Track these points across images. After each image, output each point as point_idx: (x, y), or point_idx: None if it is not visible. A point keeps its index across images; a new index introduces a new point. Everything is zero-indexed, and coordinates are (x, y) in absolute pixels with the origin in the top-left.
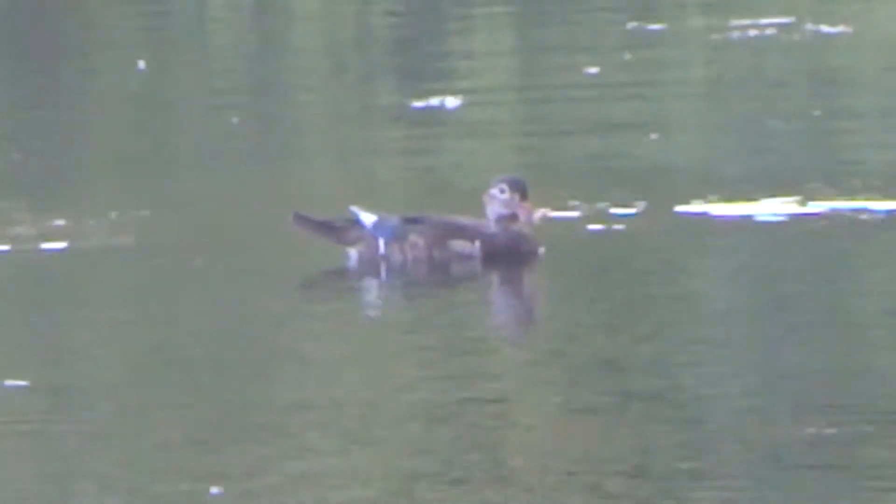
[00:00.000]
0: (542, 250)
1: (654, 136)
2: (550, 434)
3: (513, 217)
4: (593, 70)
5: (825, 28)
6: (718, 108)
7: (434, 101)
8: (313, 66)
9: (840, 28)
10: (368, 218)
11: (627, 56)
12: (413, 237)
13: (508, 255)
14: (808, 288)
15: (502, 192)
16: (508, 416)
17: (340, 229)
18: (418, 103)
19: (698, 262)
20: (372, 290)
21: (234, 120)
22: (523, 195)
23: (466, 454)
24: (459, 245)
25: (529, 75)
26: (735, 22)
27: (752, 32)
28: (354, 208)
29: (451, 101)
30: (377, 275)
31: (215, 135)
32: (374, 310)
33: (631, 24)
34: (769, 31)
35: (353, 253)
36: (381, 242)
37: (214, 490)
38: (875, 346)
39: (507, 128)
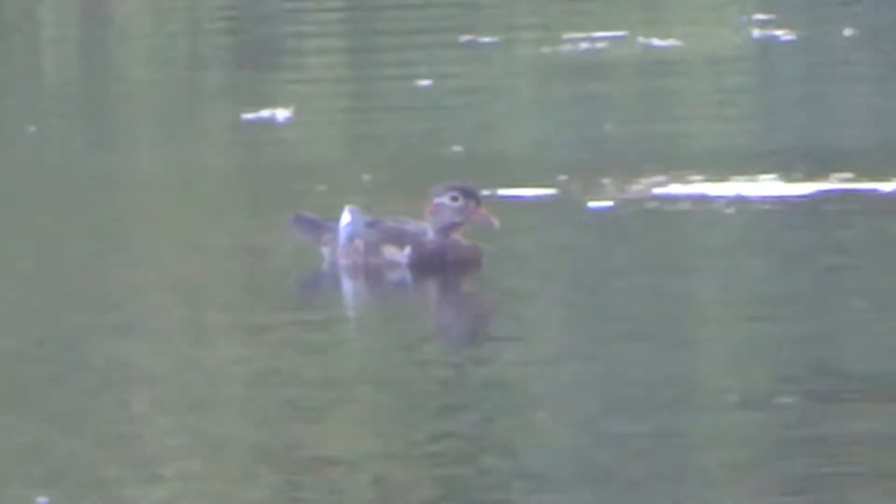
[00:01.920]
0: (482, 257)
1: (456, 148)
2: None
3: (459, 226)
4: (426, 83)
5: (656, 42)
6: (546, 117)
7: (265, 113)
8: (143, 78)
9: (670, 42)
10: (345, 217)
11: (458, 69)
12: (357, 241)
13: (439, 263)
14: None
15: (454, 199)
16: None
17: (324, 229)
18: (249, 115)
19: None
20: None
21: (31, 129)
22: (477, 201)
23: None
24: (390, 251)
25: (361, 87)
26: (567, 35)
27: (584, 46)
28: (347, 207)
29: (282, 114)
30: (325, 279)
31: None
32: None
33: (464, 38)
34: (600, 45)
35: (325, 254)
36: (339, 244)
37: (41, 500)
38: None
39: (337, 139)
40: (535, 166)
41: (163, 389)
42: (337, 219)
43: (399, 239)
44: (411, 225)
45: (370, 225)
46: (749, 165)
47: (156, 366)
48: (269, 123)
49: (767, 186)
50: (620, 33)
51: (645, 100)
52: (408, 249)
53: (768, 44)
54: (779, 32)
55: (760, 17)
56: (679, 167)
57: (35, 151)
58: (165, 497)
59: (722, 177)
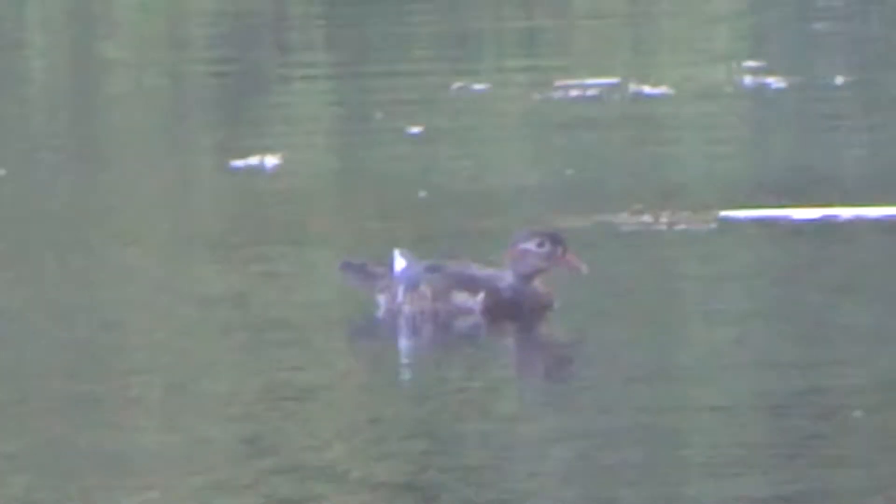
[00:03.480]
0: (556, 304)
1: (422, 193)
2: None
3: (543, 272)
4: (416, 130)
5: (647, 90)
6: (537, 162)
7: (253, 160)
8: (129, 124)
9: (662, 89)
10: (400, 263)
11: (450, 116)
12: (423, 287)
13: (514, 310)
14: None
15: (541, 245)
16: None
17: (377, 276)
18: (237, 162)
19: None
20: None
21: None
22: (564, 248)
23: None
24: (461, 297)
25: (350, 134)
26: (560, 82)
27: (575, 93)
28: (396, 251)
29: (271, 160)
30: (392, 327)
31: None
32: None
33: (456, 85)
34: (591, 92)
35: (381, 302)
36: (400, 291)
37: None
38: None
39: (326, 187)
40: (527, 208)
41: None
42: (385, 264)
43: (471, 285)
44: (476, 269)
45: (431, 270)
46: (736, 195)
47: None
48: (258, 170)
49: (752, 212)
50: (611, 80)
51: (635, 146)
52: (481, 296)
53: (759, 91)
54: (770, 80)
55: (752, 64)
56: (669, 198)
57: (11, 194)
58: None
59: (708, 205)
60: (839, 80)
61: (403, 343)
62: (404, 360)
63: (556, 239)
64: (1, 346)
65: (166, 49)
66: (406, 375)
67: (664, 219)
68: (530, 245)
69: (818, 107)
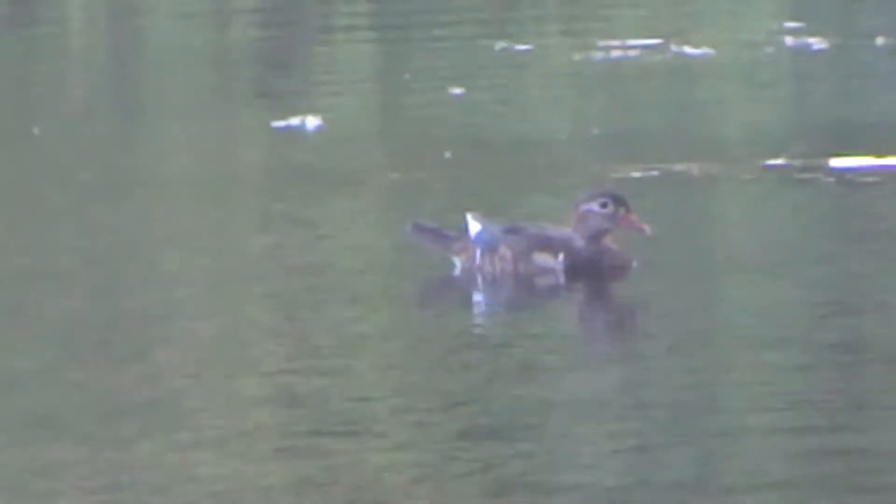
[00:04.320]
0: (634, 263)
1: (448, 154)
2: None
3: (608, 232)
4: (458, 91)
5: (689, 50)
6: (579, 118)
7: (294, 120)
8: (173, 84)
9: (703, 50)
10: (474, 226)
11: (492, 76)
12: (503, 249)
13: (593, 269)
14: None
15: (604, 205)
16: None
17: (451, 238)
18: (279, 123)
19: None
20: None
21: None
22: (627, 208)
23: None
24: (542, 258)
25: (392, 95)
26: (602, 43)
27: (616, 54)
28: (469, 214)
29: (312, 122)
30: (471, 286)
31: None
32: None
33: (500, 45)
34: (633, 52)
35: (457, 263)
36: (478, 253)
37: None
38: None
39: (367, 149)
40: (575, 160)
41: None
42: (457, 227)
43: (550, 245)
44: (554, 230)
45: (510, 231)
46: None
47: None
48: (299, 131)
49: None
50: (654, 41)
51: (677, 102)
52: (562, 256)
53: (800, 52)
54: (811, 40)
55: (792, 25)
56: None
57: (50, 151)
58: None
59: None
60: (880, 41)
61: (481, 302)
62: (478, 321)
63: (618, 199)
64: (53, 295)
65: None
66: (476, 337)
67: (710, 170)
68: (593, 206)
69: (858, 66)
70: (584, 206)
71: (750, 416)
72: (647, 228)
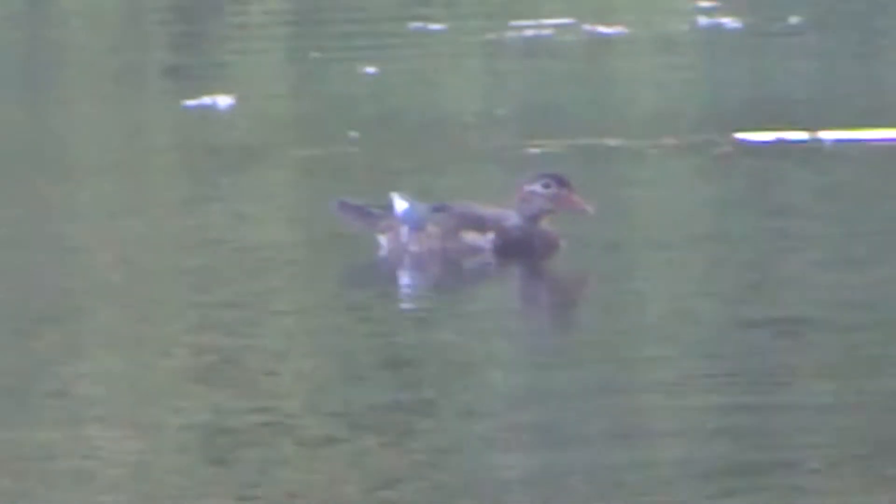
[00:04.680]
0: (563, 243)
1: (353, 134)
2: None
3: (550, 213)
4: (371, 70)
5: (603, 29)
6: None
7: (206, 99)
8: (82, 62)
9: (617, 29)
10: (401, 204)
11: (405, 55)
12: (430, 227)
13: (524, 248)
14: None
15: (547, 186)
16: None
17: (377, 216)
18: (191, 101)
19: None
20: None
21: None
22: (570, 189)
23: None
24: (471, 237)
25: (305, 74)
26: (515, 22)
27: (530, 33)
28: (394, 194)
29: (224, 100)
30: (397, 266)
31: None
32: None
33: (414, 25)
34: (546, 31)
35: (383, 241)
36: (405, 231)
37: None
38: None
39: (281, 126)
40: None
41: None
42: (382, 205)
43: (480, 224)
44: (484, 209)
45: (438, 209)
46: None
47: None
48: (211, 110)
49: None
50: (567, 20)
51: (590, 80)
52: (491, 235)
53: (714, 30)
54: (725, 20)
55: (706, 4)
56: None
57: None
58: None
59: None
60: (793, 19)
61: (406, 282)
62: (404, 302)
63: (561, 180)
64: None
65: None
66: (392, 314)
67: (623, 146)
68: (536, 186)
69: (771, 44)
70: (528, 187)
71: (670, 396)
72: (591, 208)
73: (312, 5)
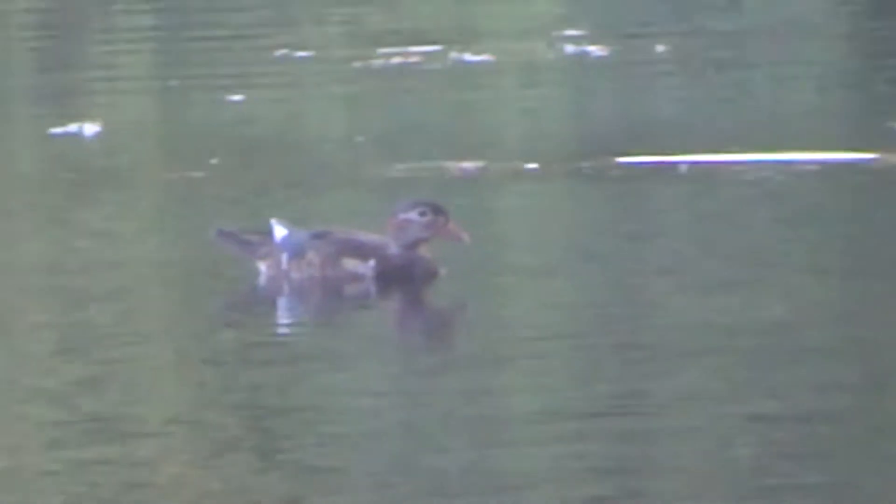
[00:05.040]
0: (442, 271)
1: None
2: None
3: (425, 241)
4: (237, 97)
5: (469, 57)
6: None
7: (73, 127)
8: None
9: (484, 57)
10: (280, 231)
11: (271, 83)
12: (310, 254)
13: (404, 276)
14: None
15: (423, 214)
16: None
17: (256, 244)
18: (57, 129)
19: None
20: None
21: None
22: (446, 217)
23: None
24: (352, 264)
25: (171, 102)
26: (382, 49)
27: (397, 60)
28: (273, 220)
29: (90, 128)
30: (277, 293)
31: None
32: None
33: (280, 52)
34: (413, 59)
35: (263, 268)
36: (285, 258)
37: None
38: None
39: (147, 154)
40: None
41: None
42: (261, 232)
43: (360, 251)
44: (365, 236)
45: (318, 236)
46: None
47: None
48: (77, 137)
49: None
50: (434, 48)
51: (455, 106)
52: (372, 262)
53: (580, 58)
54: (591, 48)
55: (573, 32)
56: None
57: None
58: None
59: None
60: (660, 48)
61: (281, 308)
62: (274, 328)
63: (437, 209)
64: None
65: None
66: (266, 345)
67: (489, 170)
68: (412, 214)
69: (637, 72)
70: (403, 216)
71: (532, 424)
72: (466, 237)
73: (180, 33)
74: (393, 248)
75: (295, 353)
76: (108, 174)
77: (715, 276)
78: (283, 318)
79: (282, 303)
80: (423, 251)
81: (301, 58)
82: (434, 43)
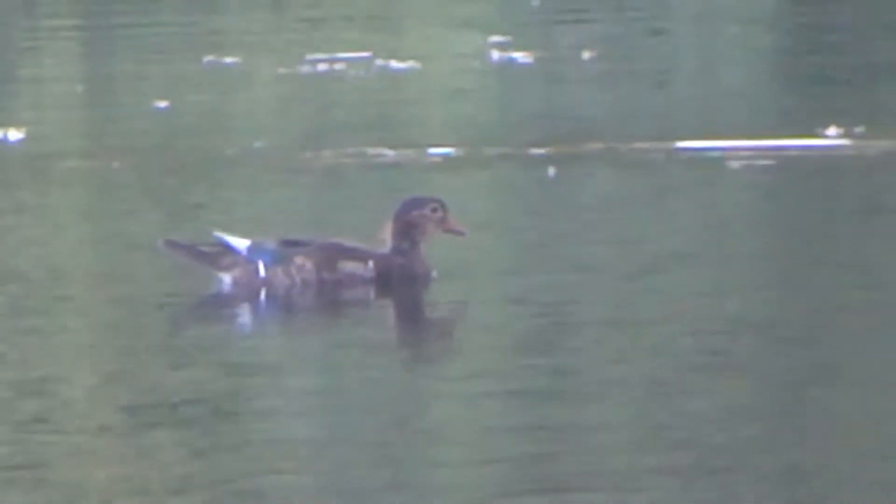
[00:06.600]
0: (434, 273)
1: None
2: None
3: (429, 238)
4: (163, 104)
5: (396, 64)
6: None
7: None
8: None
9: (409, 64)
10: (241, 243)
11: (198, 90)
12: (300, 259)
13: (402, 276)
14: None
15: (435, 210)
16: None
17: (212, 255)
18: None
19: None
20: (252, 315)
21: None
22: (447, 212)
23: None
24: (351, 266)
25: (96, 109)
26: (309, 56)
27: (323, 67)
28: (220, 234)
29: (14, 135)
30: (257, 299)
31: None
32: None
33: (207, 58)
34: (339, 66)
35: (227, 278)
36: (261, 266)
37: None
38: None
39: (71, 162)
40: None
41: None
42: (205, 244)
43: (356, 254)
44: (349, 241)
45: (291, 244)
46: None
47: None
48: (2, 143)
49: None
50: (361, 54)
51: (377, 110)
52: (371, 263)
53: (506, 65)
54: (517, 55)
55: (498, 39)
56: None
57: None
58: None
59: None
60: (586, 55)
61: (275, 314)
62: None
63: (443, 204)
64: None
65: None
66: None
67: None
68: (426, 211)
69: (562, 78)
70: (416, 212)
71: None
72: (466, 230)
73: (106, 37)
74: (387, 251)
75: (265, 358)
76: (31, 181)
77: (629, 265)
78: (266, 323)
79: (262, 309)
80: (420, 251)
81: (228, 64)
82: (362, 50)
